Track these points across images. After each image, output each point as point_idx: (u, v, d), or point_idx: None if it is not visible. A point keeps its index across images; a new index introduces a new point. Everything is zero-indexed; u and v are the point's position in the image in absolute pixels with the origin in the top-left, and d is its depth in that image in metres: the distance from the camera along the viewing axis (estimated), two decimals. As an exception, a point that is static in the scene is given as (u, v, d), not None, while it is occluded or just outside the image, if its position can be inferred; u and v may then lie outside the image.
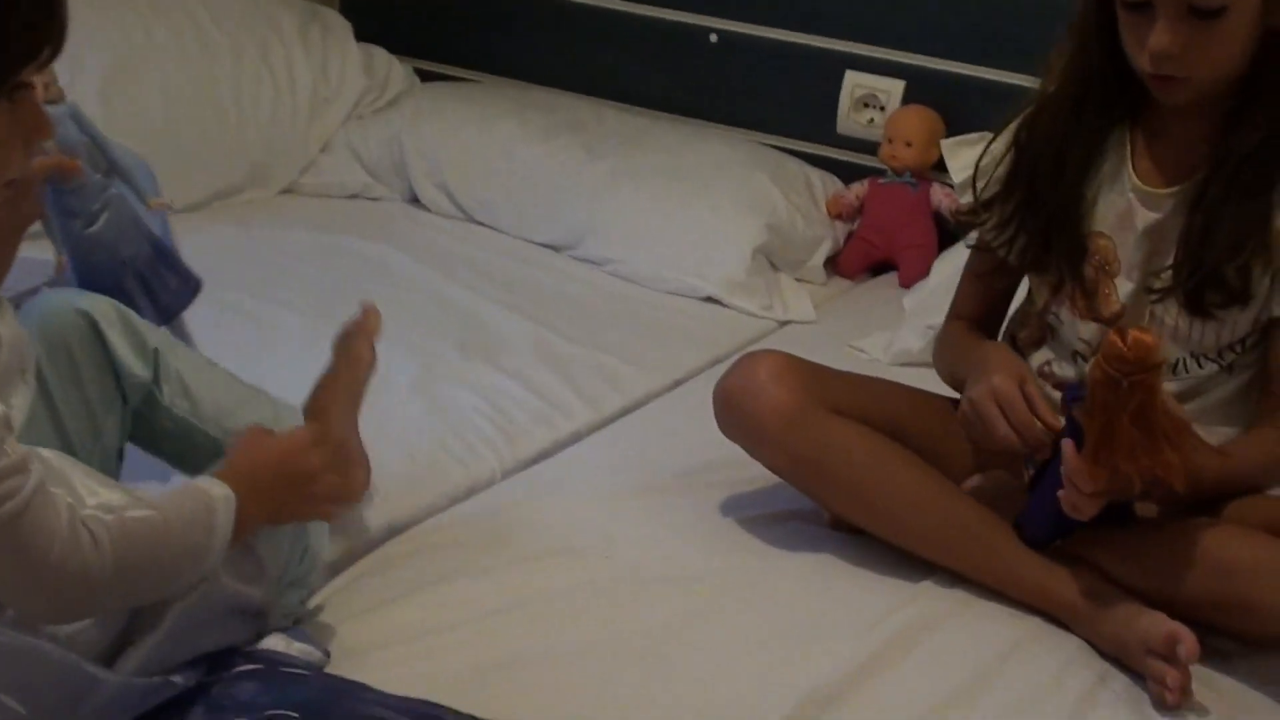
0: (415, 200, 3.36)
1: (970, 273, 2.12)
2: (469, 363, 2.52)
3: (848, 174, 3.28)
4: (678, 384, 2.58)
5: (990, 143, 2.01)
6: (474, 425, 2.29)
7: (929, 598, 1.92)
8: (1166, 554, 1.85)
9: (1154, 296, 1.91)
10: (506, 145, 3.28)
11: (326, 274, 2.85)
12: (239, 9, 3.43)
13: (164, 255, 1.98)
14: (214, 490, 1.52)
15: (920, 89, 3.19)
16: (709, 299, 2.95)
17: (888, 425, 2.01)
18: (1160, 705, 1.75)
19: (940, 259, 2.97)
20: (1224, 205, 1.83)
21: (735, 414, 2.02)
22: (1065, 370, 2.04)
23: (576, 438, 2.34)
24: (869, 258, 3.20)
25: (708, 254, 2.98)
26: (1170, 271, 1.88)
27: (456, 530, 2.01)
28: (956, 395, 2.12)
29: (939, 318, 2.25)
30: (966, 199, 2.04)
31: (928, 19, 3.19)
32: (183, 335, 2.03)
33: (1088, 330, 1.99)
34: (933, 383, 2.17)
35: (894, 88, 3.22)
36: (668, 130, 3.34)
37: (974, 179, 2.01)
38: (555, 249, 3.14)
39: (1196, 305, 1.88)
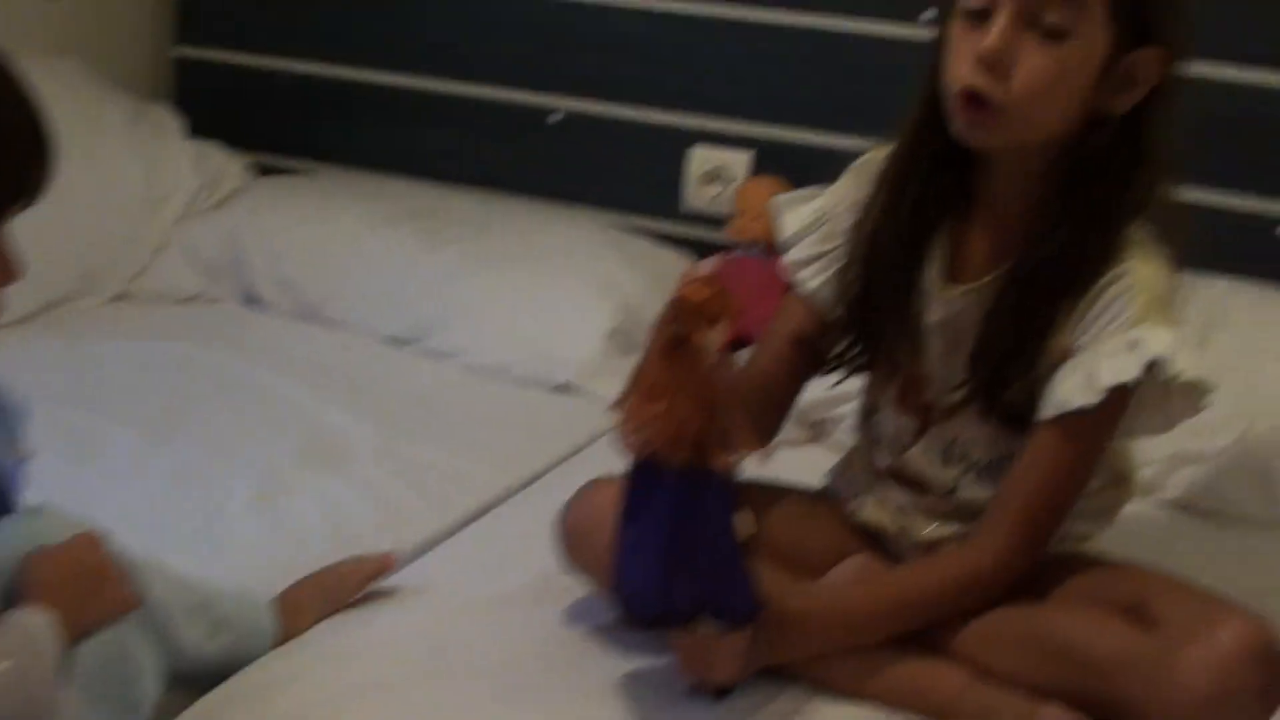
0: (256, 300, 3.23)
1: (777, 327, 2.05)
2: (310, 473, 2.39)
3: (695, 251, 3.20)
4: (534, 479, 2.47)
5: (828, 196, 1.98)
6: (314, 543, 2.16)
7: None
8: (1034, 645, 1.77)
9: (949, 404, 1.86)
10: (349, 236, 3.17)
11: (160, 384, 2.70)
12: (61, 108, 3.26)
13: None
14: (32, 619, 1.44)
15: (769, 159, 3.14)
16: (562, 387, 2.85)
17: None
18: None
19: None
20: (1012, 312, 1.79)
21: (581, 555, 1.92)
22: (887, 455, 1.98)
23: (425, 548, 2.22)
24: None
25: (560, 340, 2.89)
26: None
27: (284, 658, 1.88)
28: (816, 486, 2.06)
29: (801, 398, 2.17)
30: (794, 257, 1.99)
31: (774, 88, 3.14)
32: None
33: (901, 423, 1.95)
34: (801, 467, 2.11)
35: (741, 160, 3.16)
36: (514, 213, 3.26)
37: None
38: (403, 342, 3.02)
39: (992, 410, 1.83)
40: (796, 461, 2.45)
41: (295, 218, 3.25)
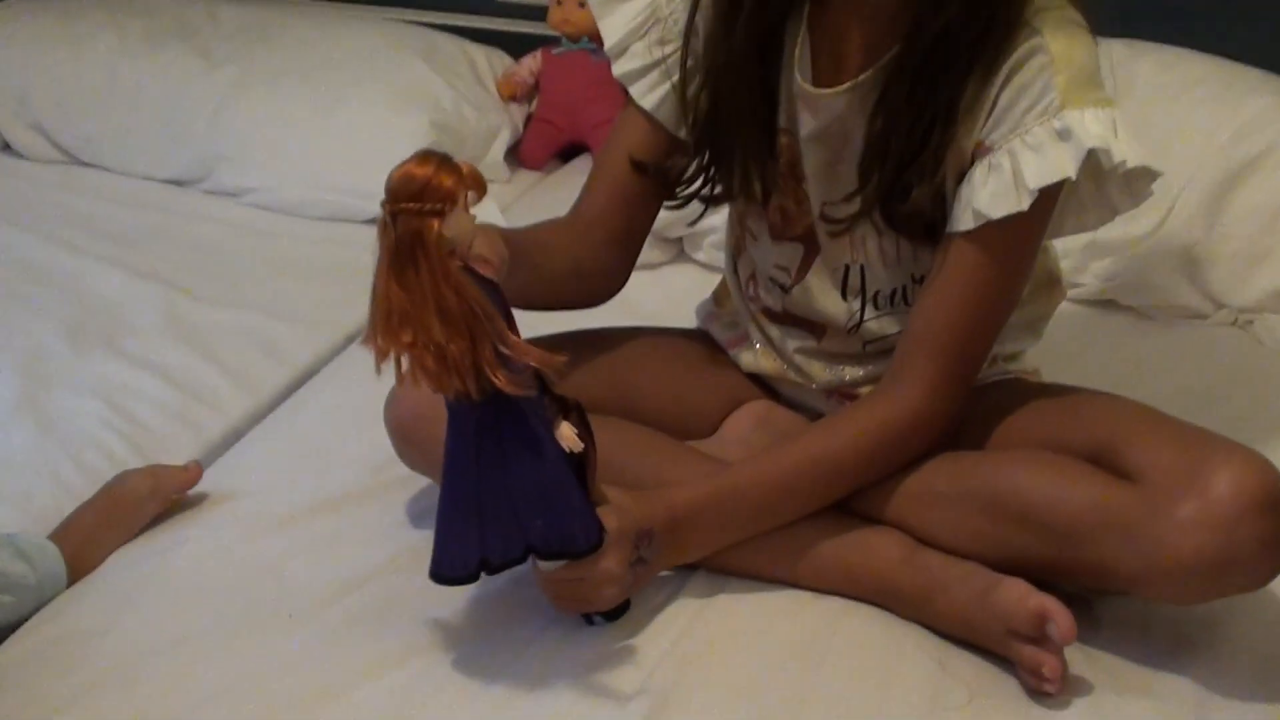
0: (5, 147, 2.77)
1: (613, 149, 1.66)
2: (84, 356, 1.99)
3: (515, 47, 2.80)
4: (354, 337, 2.09)
5: None
6: (98, 443, 1.78)
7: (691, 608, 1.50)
8: (981, 505, 1.47)
9: (840, 218, 1.54)
10: (106, 63, 2.71)
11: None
12: None
13: None
14: None
15: (587, -65, 2.72)
16: (374, 220, 2.44)
17: (615, 398, 1.60)
18: (1036, 697, 1.38)
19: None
20: (905, 104, 1.45)
21: (417, 447, 1.58)
22: (769, 293, 1.67)
23: (233, 437, 1.85)
24: (555, 142, 2.75)
25: (365, 166, 2.43)
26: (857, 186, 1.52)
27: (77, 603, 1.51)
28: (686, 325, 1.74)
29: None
30: (624, 68, 1.62)
31: None
32: None
33: (782, 253, 1.62)
34: (666, 294, 1.84)
35: (558, -61, 2.74)
36: (298, 19, 2.82)
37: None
38: (181, 185, 2.61)
39: (894, 222, 1.51)
40: (658, 287, 2.15)
41: (43, 46, 2.77)
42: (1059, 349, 1.75)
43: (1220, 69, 2.24)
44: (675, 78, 1.58)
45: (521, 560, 1.35)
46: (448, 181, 1.23)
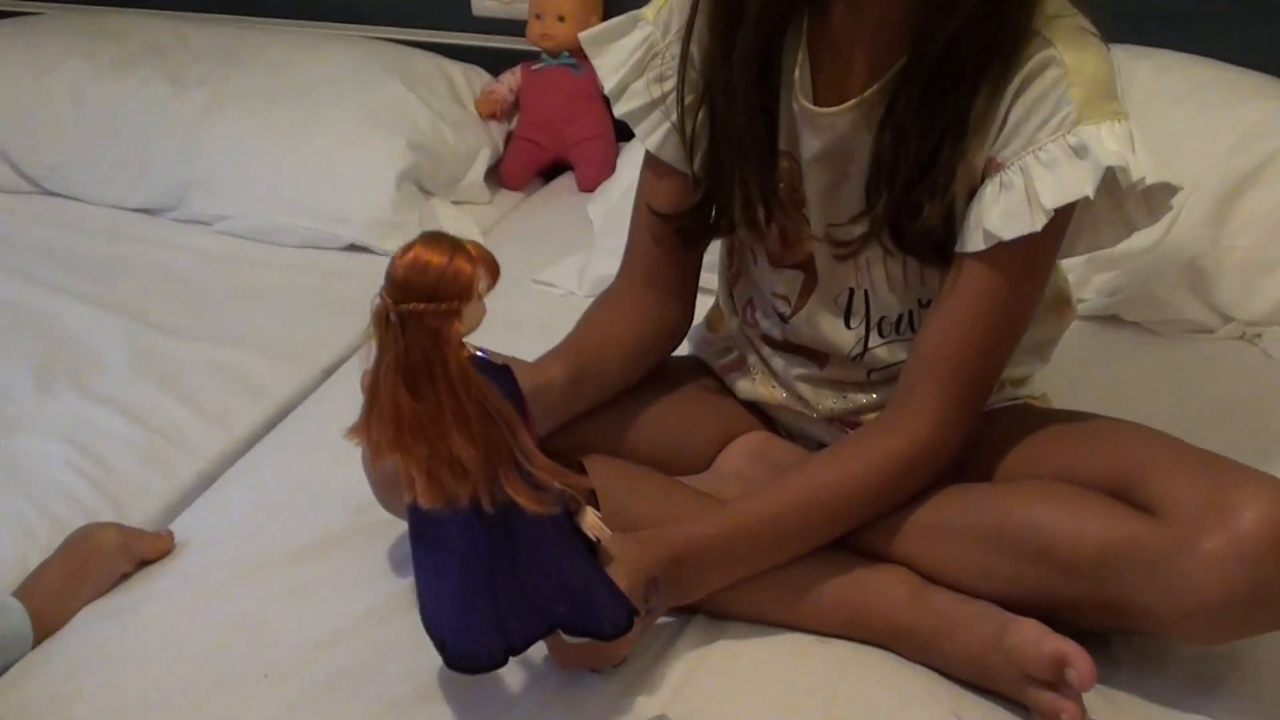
0: (-29, 178, 2.69)
1: (639, 202, 1.60)
2: (50, 396, 1.91)
3: (494, 64, 2.73)
4: (333, 369, 2.02)
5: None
6: (65, 490, 1.70)
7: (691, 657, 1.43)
8: (995, 541, 1.40)
9: (848, 241, 1.46)
10: (73, 89, 2.63)
11: None
12: None
13: None
14: None
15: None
16: (352, 247, 2.38)
17: (605, 434, 1.54)
18: (1056, 747, 1.31)
19: (625, 152, 2.47)
20: (914, 118, 1.38)
21: (396, 491, 1.45)
22: (768, 320, 1.60)
23: (206, 480, 1.77)
24: (537, 161, 2.67)
25: (342, 190, 2.41)
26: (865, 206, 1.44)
27: (44, 664, 1.43)
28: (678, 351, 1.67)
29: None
30: (626, 109, 1.55)
31: None
32: None
33: (781, 281, 1.55)
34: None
35: (534, -49, 2.67)
36: (270, 39, 2.74)
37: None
38: (152, 213, 2.52)
39: (903, 243, 1.44)
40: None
41: (9, 71, 2.70)
42: (1062, 367, 1.68)
43: (1220, 73, 2.17)
44: (675, 115, 1.51)
45: (547, 634, 1.27)
46: (465, 270, 1.09)
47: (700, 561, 1.40)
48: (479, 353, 1.14)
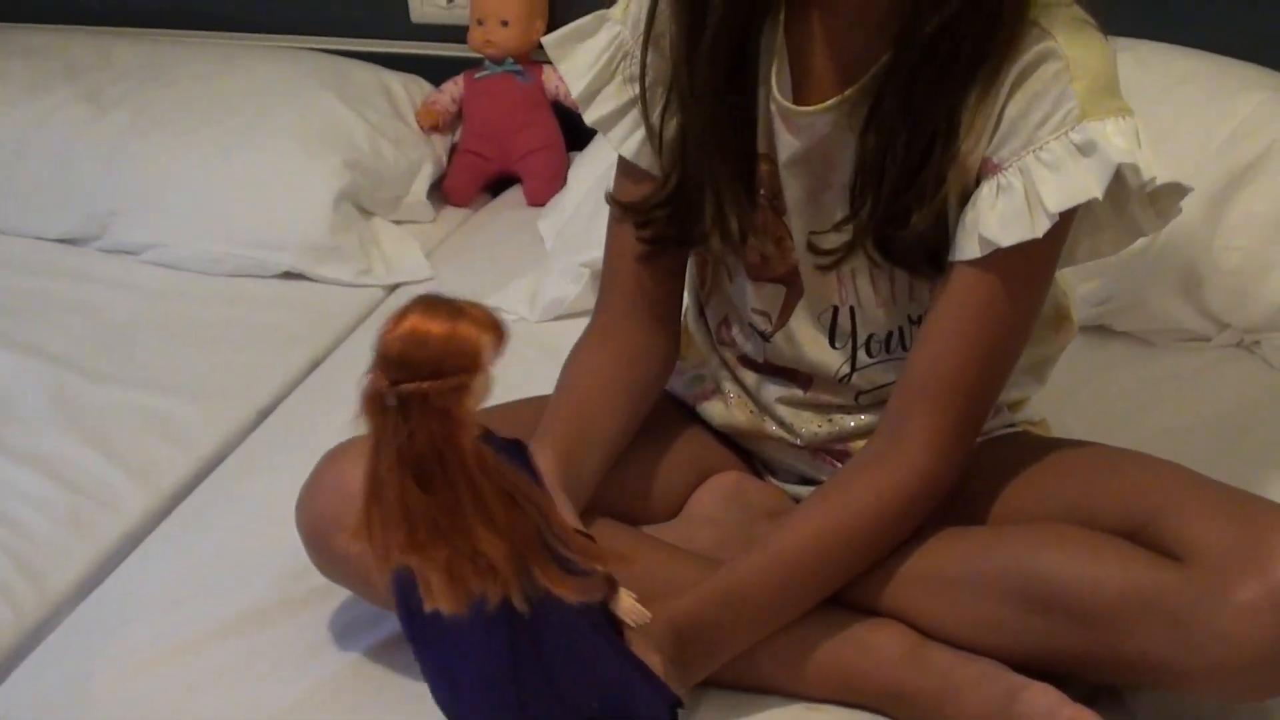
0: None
1: (614, 215, 1.47)
2: (-41, 452, 1.76)
3: (435, 73, 2.58)
4: (267, 412, 1.88)
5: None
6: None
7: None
8: (999, 591, 1.27)
9: (829, 249, 1.34)
10: (-18, 112, 2.46)
11: None
12: None
13: None
14: None
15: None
16: (288, 274, 2.23)
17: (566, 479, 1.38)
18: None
19: (576, 163, 2.33)
20: (901, 117, 1.26)
21: (331, 557, 1.36)
22: (747, 340, 1.48)
23: (131, 542, 1.62)
24: (483, 174, 2.53)
25: (275, 214, 2.26)
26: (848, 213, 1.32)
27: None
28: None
29: (593, 250, 1.65)
30: (596, 115, 1.42)
31: None
32: None
33: (761, 296, 1.43)
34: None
35: (473, -47, 2.53)
36: (196, 54, 2.58)
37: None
38: (74, 243, 2.36)
39: (890, 253, 1.31)
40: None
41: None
42: (1049, 384, 1.55)
43: (1207, 64, 2.03)
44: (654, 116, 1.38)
45: None
46: (471, 338, 0.95)
47: (701, 635, 1.26)
48: (486, 426, 1.00)
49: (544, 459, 1.26)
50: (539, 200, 2.41)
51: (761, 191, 1.39)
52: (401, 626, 1.07)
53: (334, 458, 1.35)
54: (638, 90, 1.38)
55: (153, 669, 1.39)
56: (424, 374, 0.95)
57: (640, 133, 1.40)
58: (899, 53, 1.25)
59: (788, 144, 1.34)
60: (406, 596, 1.03)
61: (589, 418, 1.39)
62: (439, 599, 1.00)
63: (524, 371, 1.48)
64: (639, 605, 1.11)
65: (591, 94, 1.42)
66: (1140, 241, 1.79)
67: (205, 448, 1.79)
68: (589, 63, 1.41)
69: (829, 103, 1.31)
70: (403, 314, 0.96)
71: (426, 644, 1.08)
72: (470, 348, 0.95)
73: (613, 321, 1.47)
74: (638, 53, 1.37)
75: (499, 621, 1.03)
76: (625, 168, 1.45)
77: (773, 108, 1.34)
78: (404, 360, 0.95)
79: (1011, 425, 1.48)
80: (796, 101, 1.33)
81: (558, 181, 2.36)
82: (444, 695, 1.11)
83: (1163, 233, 1.84)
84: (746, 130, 1.36)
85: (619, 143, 1.42)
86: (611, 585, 1.09)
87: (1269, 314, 1.89)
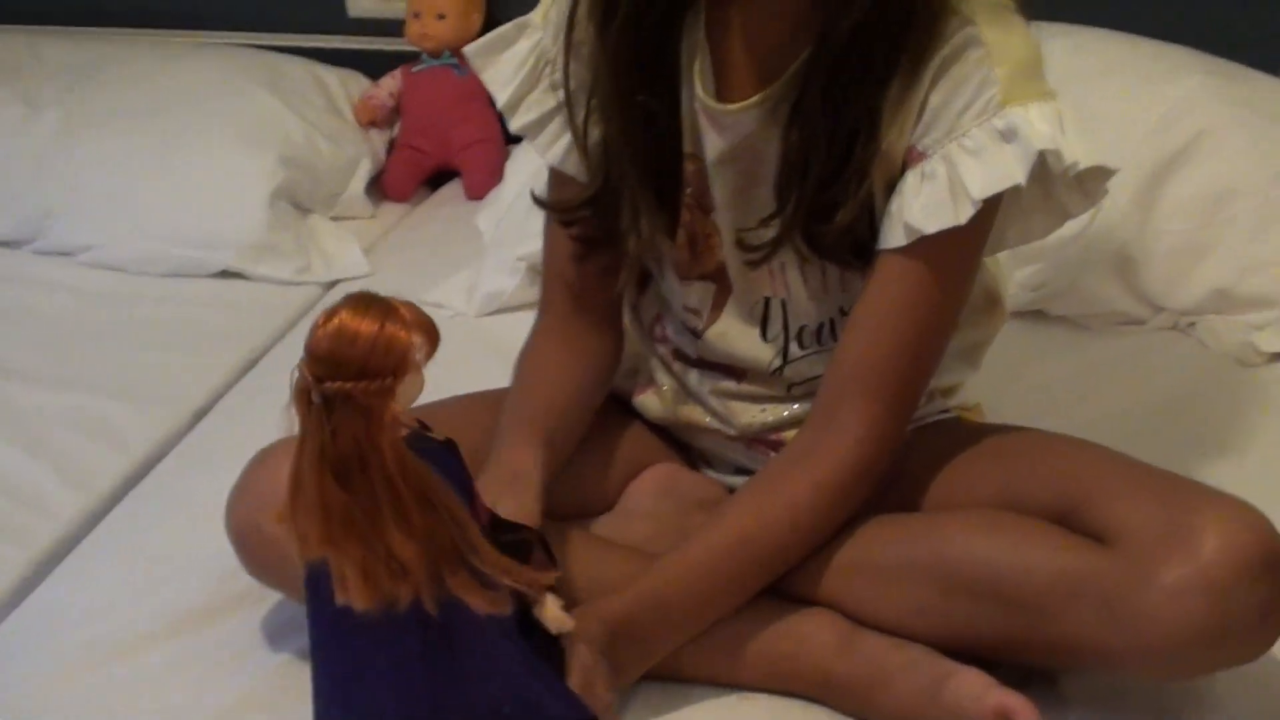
0: None
1: (550, 223, 1.48)
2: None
3: (372, 67, 2.57)
4: (201, 414, 1.86)
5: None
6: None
7: None
8: (930, 577, 1.28)
9: (758, 245, 1.34)
10: (-87, 114, 2.44)
11: None
12: None
13: None
14: None
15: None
16: (224, 273, 2.22)
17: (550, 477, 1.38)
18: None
19: (514, 157, 2.32)
20: (822, 112, 1.26)
21: (261, 560, 1.35)
22: (680, 336, 1.48)
23: (66, 545, 1.61)
24: (422, 169, 2.52)
25: (212, 213, 2.24)
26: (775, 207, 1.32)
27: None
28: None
29: (531, 243, 1.66)
30: (521, 123, 1.42)
31: None
32: None
33: (691, 294, 1.43)
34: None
35: (407, -53, 2.52)
36: (128, 52, 2.57)
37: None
38: (9, 246, 2.34)
39: (817, 246, 1.32)
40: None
41: None
42: (986, 370, 1.56)
43: (1140, 49, 2.04)
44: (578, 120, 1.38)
45: None
46: (400, 339, 0.95)
47: (635, 632, 1.26)
48: (416, 426, 1.00)
49: (529, 458, 1.29)
50: (478, 194, 2.40)
51: (688, 190, 1.38)
52: (309, 622, 1.06)
53: (262, 459, 1.35)
54: (562, 97, 1.38)
55: (89, 672, 1.37)
56: (351, 373, 0.95)
57: (565, 138, 1.39)
58: (818, 49, 1.25)
59: (714, 142, 1.34)
60: (318, 588, 1.03)
61: (559, 414, 1.40)
62: (352, 594, 0.99)
63: (464, 368, 1.47)
64: (563, 614, 1.11)
65: (515, 103, 1.41)
66: (1074, 225, 1.81)
67: (141, 449, 1.77)
68: (511, 72, 1.40)
69: (752, 100, 1.31)
70: (333, 311, 0.96)
71: (335, 640, 1.06)
72: (398, 348, 0.95)
73: (559, 319, 1.47)
74: (560, 60, 1.37)
75: (411, 621, 1.02)
76: (556, 176, 1.45)
77: (697, 106, 1.34)
78: (332, 358, 0.95)
79: (944, 411, 1.49)
80: (721, 99, 1.33)
81: (496, 175, 2.36)
82: (336, 713, 1.09)
83: (1098, 217, 1.86)
84: (671, 131, 1.35)
85: (545, 149, 1.42)
86: (532, 593, 1.09)
87: (1203, 296, 1.90)
